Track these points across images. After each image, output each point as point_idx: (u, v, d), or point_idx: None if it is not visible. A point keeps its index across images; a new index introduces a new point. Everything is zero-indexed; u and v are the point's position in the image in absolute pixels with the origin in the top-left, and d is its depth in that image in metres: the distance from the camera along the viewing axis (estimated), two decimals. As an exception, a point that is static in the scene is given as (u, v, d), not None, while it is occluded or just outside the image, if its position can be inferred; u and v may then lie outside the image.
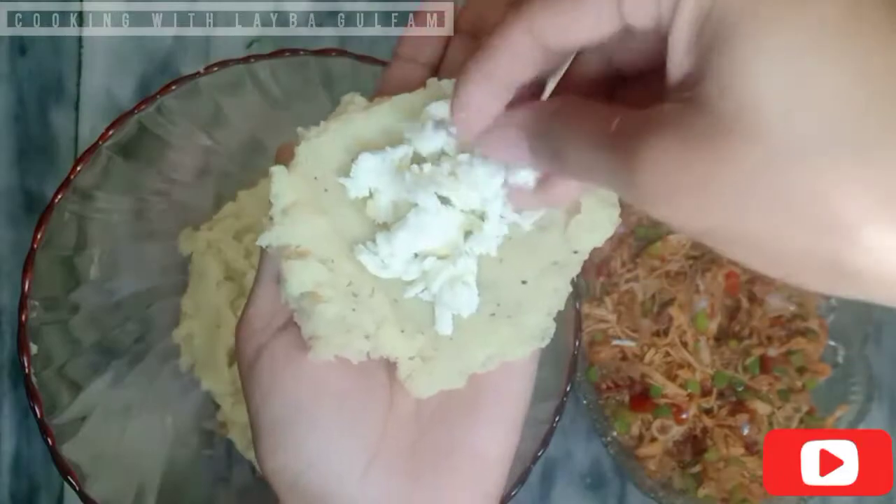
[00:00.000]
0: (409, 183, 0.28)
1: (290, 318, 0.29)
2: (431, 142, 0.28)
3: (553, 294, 0.29)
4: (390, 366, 0.29)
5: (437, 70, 0.32)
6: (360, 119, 0.30)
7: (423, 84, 0.31)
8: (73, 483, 0.42)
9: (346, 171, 0.29)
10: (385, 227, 0.29)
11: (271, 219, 0.28)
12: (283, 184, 0.28)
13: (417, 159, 0.29)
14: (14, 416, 0.57)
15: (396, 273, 0.29)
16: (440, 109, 0.28)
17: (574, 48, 0.23)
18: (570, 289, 0.30)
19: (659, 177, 0.19)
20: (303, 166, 0.29)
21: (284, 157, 0.30)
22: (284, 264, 0.28)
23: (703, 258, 0.57)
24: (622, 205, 0.29)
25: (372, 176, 0.29)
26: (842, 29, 0.18)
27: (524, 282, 0.29)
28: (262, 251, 0.30)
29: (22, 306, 0.43)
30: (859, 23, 0.18)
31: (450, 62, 0.32)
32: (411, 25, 0.33)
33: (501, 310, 0.29)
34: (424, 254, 0.29)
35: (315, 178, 0.29)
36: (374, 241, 0.29)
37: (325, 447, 0.27)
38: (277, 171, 0.28)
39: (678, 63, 0.20)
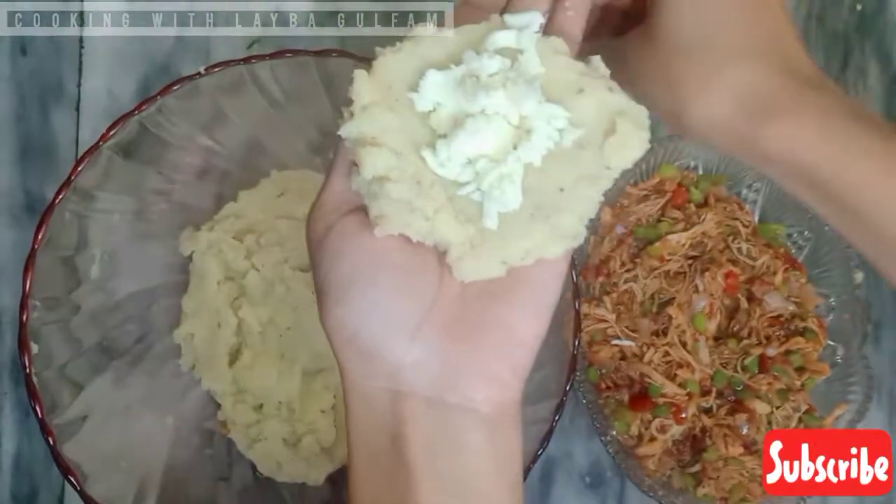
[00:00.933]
0: (468, 92, 0.32)
1: (357, 206, 0.32)
2: (488, 68, 0.32)
3: (587, 200, 0.32)
4: (441, 255, 0.32)
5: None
6: (430, 42, 0.33)
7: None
8: (74, 483, 0.42)
9: (414, 87, 0.32)
10: (445, 137, 0.32)
11: (352, 114, 0.32)
12: (364, 84, 0.32)
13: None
14: (15, 415, 0.57)
15: (453, 174, 0.32)
16: (499, 39, 0.33)
17: None
18: (602, 198, 0.33)
19: (633, 59, 0.37)
20: (379, 76, 0.32)
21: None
22: (361, 150, 0.31)
23: (702, 258, 0.57)
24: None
25: (436, 90, 0.32)
26: None
27: (562, 189, 0.32)
28: (338, 146, 0.33)
29: (23, 306, 0.43)
30: None
31: (510, 9, 0.35)
32: None
33: (540, 211, 0.32)
34: (477, 157, 0.32)
35: (389, 87, 0.32)
36: (434, 147, 0.32)
37: (381, 306, 0.31)
38: (359, 74, 0.32)
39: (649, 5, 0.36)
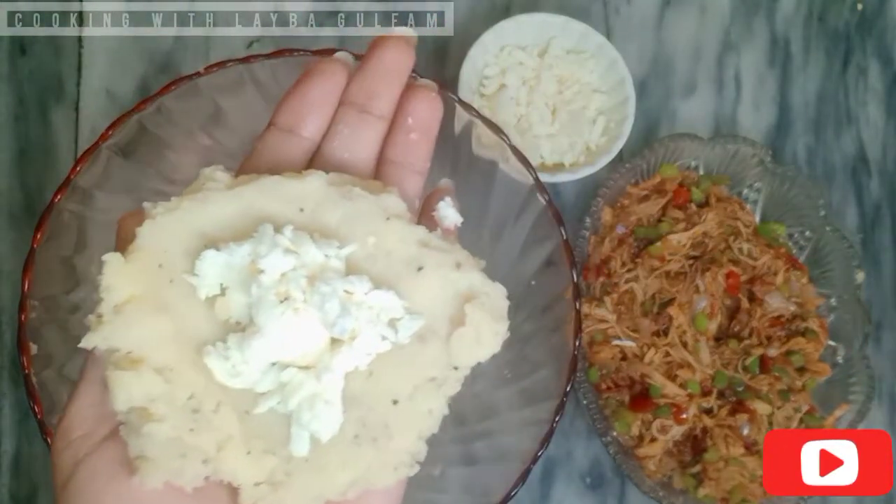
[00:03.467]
0: (255, 296, 0.25)
1: (116, 428, 0.25)
2: (278, 266, 0.25)
3: (427, 416, 0.26)
4: (233, 488, 0.25)
5: (318, 144, 0.30)
6: (219, 200, 0.26)
7: (302, 160, 0.28)
8: (73, 483, 0.42)
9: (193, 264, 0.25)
10: (239, 327, 0.26)
11: (99, 316, 0.24)
12: (116, 275, 0.25)
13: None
14: (14, 416, 0.57)
15: (249, 383, 0.25)
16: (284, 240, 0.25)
17: None
18: (447, 411, 0.27)
19: None
20: (145, 252, 0.25)
21: (126, 232, 0.26)
22: (111, 373, 0.24)
23: (703, 258, 0.57)
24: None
25: (221, 272, 0.25)
26: None
27: (395, 401, 0.26)
28: (89, 352, 0.26)
29: (22, 306, 0.43)
30: None
31: (335, 135, 0.29)
32: (298, 86, 0.29)
33: (366, 431, 0.26)
34: (283, 364, 0.25)
35: (160, 265, 0.25)
36: (224, 342, 0.25)
37: None
38: (111, 258, 0.25)
39: None
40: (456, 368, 0.27)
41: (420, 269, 0.26)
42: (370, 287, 0.26)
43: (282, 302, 0.25)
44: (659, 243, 0.57)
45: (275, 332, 0.24)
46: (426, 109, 0.29)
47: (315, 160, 0.29)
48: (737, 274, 0.57)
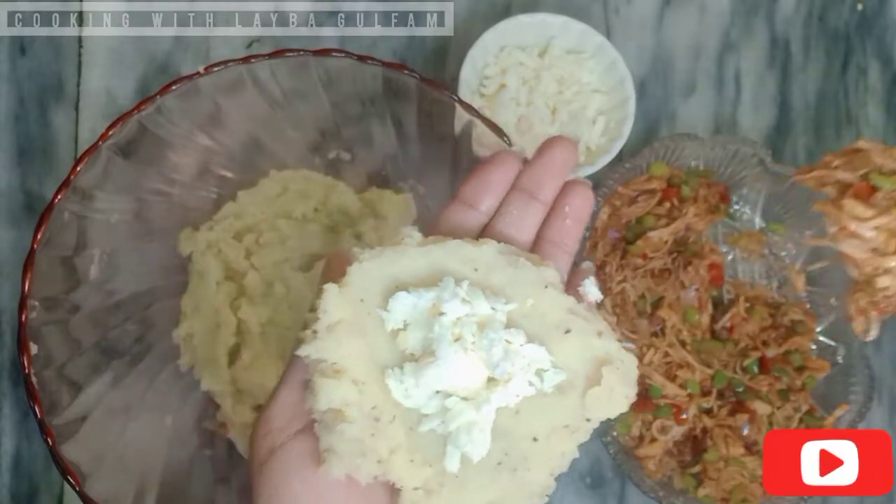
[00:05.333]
0: (436, 333, 0.30)
1: (308, 424, 0.30)
2: (455, 311, 0.31)
3: (560, 457, 0.31)
4: (393, 491, 0.30)
5: (491, 218, 0.35)
6: (413, 254, 0.32)
7: (476, 230, 0.34)
8: (73, 483, 0.42)
9: (385, 302, 0.31)
10: (413, 357, 0.31)
11: (314, 332, 0.30)
12: (333, 302, 0.30)
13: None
14: (14, 416, 0.57)
15: (417, 404, 0.30)
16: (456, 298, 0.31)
17: None
18: (577, 454, 0.31)
19: None
20: (352, 287, 0.31)
21: (333, 268, 0.32)
22: (318, 379, 0.29)
23: (685, 252, 0.57)
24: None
25: (407, 311, 0.31)
26: None
27: (535, 439, 0.31)
28: (292, 358, 0.31)
29: (22, 306, 0.43)
30: None
31: (506, 214, 0.35)
32: (480, 170, 0.35)
33: (508, 460, 0.31)
34: (447, 392, 0.30)
35: (361, 300, 0.31)
36: (402, 369, 0.31)
37: None
38: (330, 289, 0.30)
39: None
40: (588, 420, 0.31)
41: (567, 331, 0.31)
42: (525, 340, 0.31)
43: (455, 341, 0.30)
44: (640, 241, 0.57)
45: (446, 364, 0.30)
46: (581, 201, 0.34)
47: (486, 231, 0.35)
48: (718, 264, 0.57)
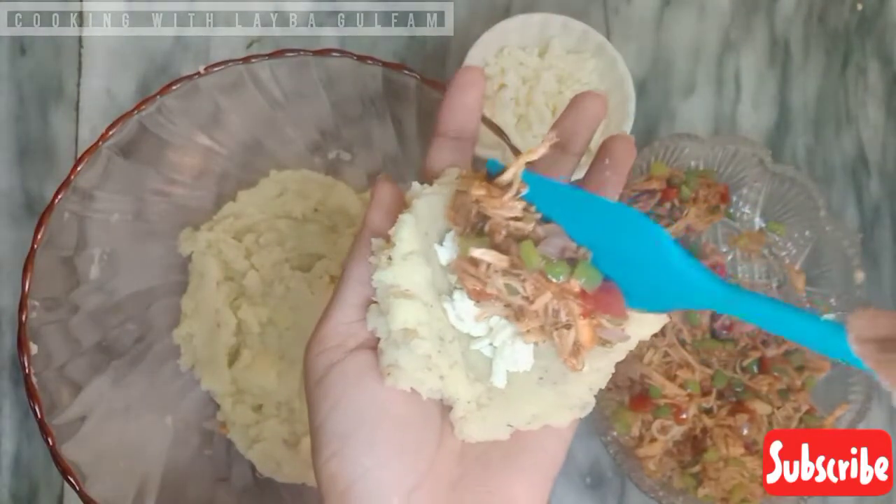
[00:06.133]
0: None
1: (362, 343, 0.32)
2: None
3: (597, 372, 0.32)
4: (444, 409, 0.32)
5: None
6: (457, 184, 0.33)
7: (467, 161, 0.35)
8: (74, 483, 0.42)
9: (441, 236, 0.32)
10: (461, 289, 0.32)
11: (390, 259, 0.31)
12: (409, 232, 0.31)
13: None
14: (14, 416, 0.57)
15: (467, 327, 0.32)
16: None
17: None
18: (613, 370, 0.33)
19: None
20: (419, 220, 0.32)
21: (380, 193, 0.33)
22: (394, 301, 0.31)
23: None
24: None
25: (455, 247, 0.32)
26: None
27: None
28: (343, 274, 0.33)
29: (22, 306, 0.43)
30: None
31: (537, 166, 0.33)
32: (452, 96, 0.35)
33: (549, 376, 0.32)
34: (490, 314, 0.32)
35: (426, 234, 0.32)
36: (451, 296, 0.32)
37: (379, 464, 0.30)
38: (406, 219, 0.31)
39: None
40: (625, 340, 0.32)
41: None
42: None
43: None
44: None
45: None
46: (623, 150, 0.33)
47: None
48: (722, 263, 0.57)
